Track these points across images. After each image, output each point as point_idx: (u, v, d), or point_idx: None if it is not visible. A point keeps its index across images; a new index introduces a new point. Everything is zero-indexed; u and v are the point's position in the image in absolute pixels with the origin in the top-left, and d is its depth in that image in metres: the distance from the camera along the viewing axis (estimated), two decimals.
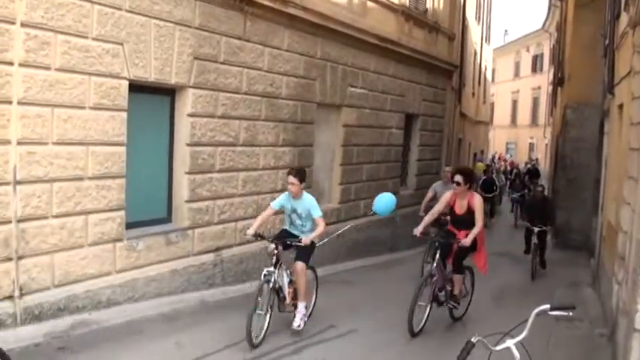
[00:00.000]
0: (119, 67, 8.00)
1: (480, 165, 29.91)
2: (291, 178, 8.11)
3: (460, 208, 8.90)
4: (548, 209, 14.47)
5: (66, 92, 7.39)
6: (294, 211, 8.33)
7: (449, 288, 8.94)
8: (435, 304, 8.79)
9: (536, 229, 13.95)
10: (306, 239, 8.03)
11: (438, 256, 8.72)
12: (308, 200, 8.29)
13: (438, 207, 9.30)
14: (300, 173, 8.22)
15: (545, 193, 17.46)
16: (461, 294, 9.11)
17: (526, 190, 24.20)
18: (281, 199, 8.39)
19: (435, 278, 8.61)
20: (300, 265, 8.18)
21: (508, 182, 28.77)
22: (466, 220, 8.79)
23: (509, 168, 33.32)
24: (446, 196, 9.14)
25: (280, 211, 8.65)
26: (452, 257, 8.94)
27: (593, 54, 16.32)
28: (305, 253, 8.24)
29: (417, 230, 8.95)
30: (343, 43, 13.18)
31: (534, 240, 13.92)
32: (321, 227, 8.24)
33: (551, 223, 14.44)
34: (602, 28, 15.01)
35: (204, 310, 8.79)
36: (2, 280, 6.87)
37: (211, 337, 7.69)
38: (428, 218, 9.21)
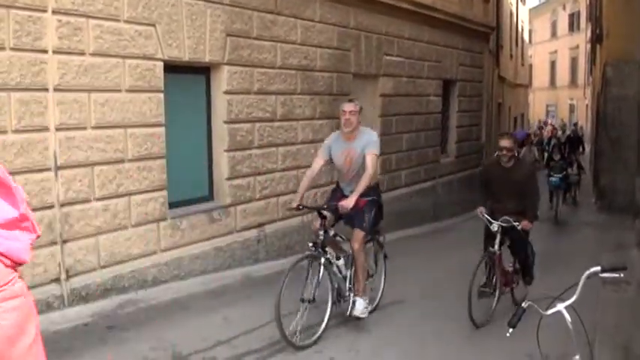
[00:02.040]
0: (153, 49, 8.02)
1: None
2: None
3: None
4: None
5: (101, 76, 7.43)
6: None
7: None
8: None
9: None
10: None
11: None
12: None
13: None
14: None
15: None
16: None
17: (569, 169, 18.45)
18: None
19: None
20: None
21: (545, 157, 21.43)
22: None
23: (547, 136, 27.72)
24: None
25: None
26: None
27: (632, 8, 15.91)
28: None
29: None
30: (376, 11, 13.03)
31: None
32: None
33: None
34: None
35: (250, 286, 8.84)
36: (48, 263, 6.98)
37: (258, 311, 7.73)
38: None
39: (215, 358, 6.37)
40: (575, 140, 21.63)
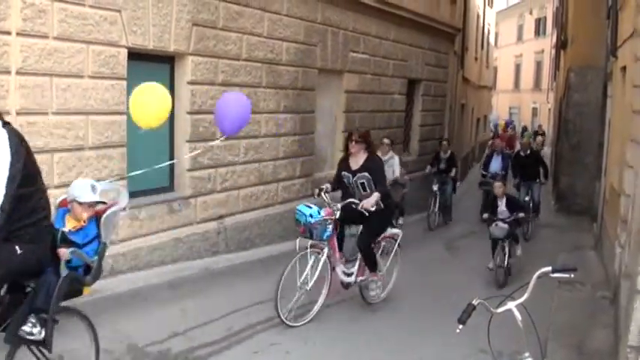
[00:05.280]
0: (117, 35, 7.93)
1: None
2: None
3: None
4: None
5: (64, 61, 7.33)
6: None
7: None
8: None
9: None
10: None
11: None
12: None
13: None
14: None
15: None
16: None
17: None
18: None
19: None
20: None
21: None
22: None
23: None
24: None
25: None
26: None
27: (597, 16, 16.15)
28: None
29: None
30: (344, 7, 13.04)
31: None
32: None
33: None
34: None
35: (209, 278, 8.81)
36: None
37: (215, 303, 7.74)
38: None
39: (170, 350, 6.36)
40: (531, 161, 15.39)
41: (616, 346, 6.31)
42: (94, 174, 7.82)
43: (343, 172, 8.19)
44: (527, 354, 4.10)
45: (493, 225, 10.68)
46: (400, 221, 13.16)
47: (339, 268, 7.99)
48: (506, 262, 10.43)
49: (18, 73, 6.85)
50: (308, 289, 7.47)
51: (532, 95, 49.28)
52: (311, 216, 7.52)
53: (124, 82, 8.11)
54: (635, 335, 5.04)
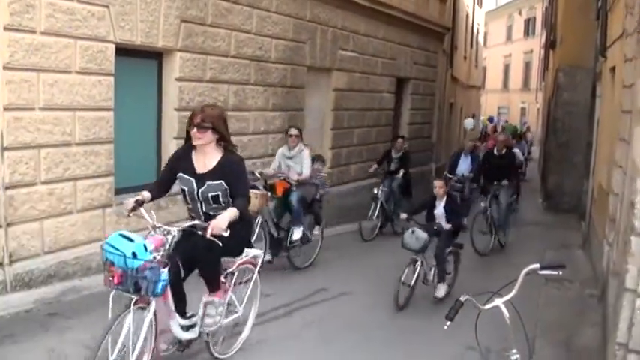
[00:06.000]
0: (105, 31, 7.88)
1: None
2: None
3: None
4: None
5: (52, 56, 7.27)
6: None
7: None
8: None
9: None
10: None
11: None
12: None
13: None
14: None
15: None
16: None
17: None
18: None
19: None
20: None
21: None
22: None
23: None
24: None
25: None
26: None
27: (586, 16, 16.17)
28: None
29: None
30: (333, 5, 13.04)
31: None
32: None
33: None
34: None
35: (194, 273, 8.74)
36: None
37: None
38: None
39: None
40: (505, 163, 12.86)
41: (604, 343, 6.33)
42: (81, 170, 7.78)
43: (181, 175, 5.47)
44: (514, 350, 4.11)
45: (409, 231, 8.35)
46: (316, 231, 10.30)
47: (175, 323, 5.36)
48: (413, 281, 8.27)
49: (5, 68, 6.79)
50: None
51: (520, 95, 49.45)
52: (134, 255, 4.72)
53: (112, 78, 8.06)
54: (624, 332, 5.05)
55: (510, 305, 4.07)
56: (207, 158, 5.39)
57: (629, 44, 7.61)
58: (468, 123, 17.38)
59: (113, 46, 8.04)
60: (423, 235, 8.19)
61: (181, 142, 9.09)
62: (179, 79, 9.22)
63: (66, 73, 7.48)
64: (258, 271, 6.12)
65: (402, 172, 13.30)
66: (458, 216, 8.94)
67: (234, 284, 5.85)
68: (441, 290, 8.45)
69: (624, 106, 7.65)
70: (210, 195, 5.33)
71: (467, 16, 29.84)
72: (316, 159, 10.44)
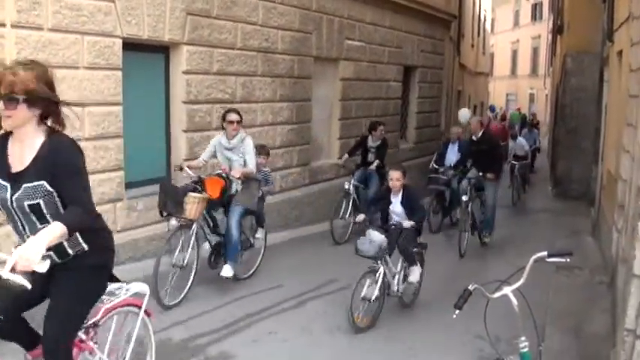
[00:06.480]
0: (112, 26, 7.91)
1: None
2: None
3: None
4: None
5: (59, 52, 7.31)
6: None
7: None
8: None
9: None
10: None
11: None
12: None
13: None
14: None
15: None
16: None
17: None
18: None
19: None
20: None
21: None
22: None
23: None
24: None
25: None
26: None
27: (592, 1, 16.11)
28: None
29: None
30: None
31: None
32: None
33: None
34: None
35: (204, 269, 8.79)
36: (4, 243, 6.87)
37: (212, 293, 7.76)
38: None
39: (170, 339, 6.37)
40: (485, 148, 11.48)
41: (613, 330, 6.34)
42: (91, 165, 7.82)
43: None
44: (523, 338, 4.12)
45: (363, 236, 7.03)
46: (258, 234, 8.90)
47: None
48: (376, 294, 6.85)
49: None
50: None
51: (529, 81, 49.18)
52: None
53: (120, 73, 8.10)
54: (632, 319, 5.06)
55: (519, 293, 4.09)
56: (24, 148, 3.46)
57: (636, 27, 7.58)
58: (463, 114, 16.24)
59: (120, 40, 8.07)
60: (378, 237, 6.89)
61: (191, 135, 9.29)
62: (186, 72, 9.25)
63: (74, 68, 7.52)
64: (147, 313, 4.39)
65: (376, 162, 11.82)
66: (418, 211, 7.57)
67: (100, 343, 4.01)
68: (416, 273, 7.40)
69: (631, 91, 7.64)
70: (26, 204, 3.40)
71: (473, 2, 29.74)
72: (259, 150, 8.81)
